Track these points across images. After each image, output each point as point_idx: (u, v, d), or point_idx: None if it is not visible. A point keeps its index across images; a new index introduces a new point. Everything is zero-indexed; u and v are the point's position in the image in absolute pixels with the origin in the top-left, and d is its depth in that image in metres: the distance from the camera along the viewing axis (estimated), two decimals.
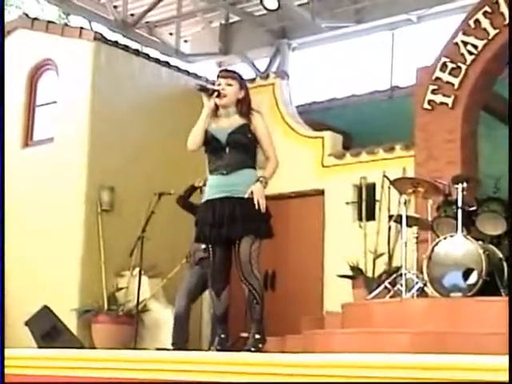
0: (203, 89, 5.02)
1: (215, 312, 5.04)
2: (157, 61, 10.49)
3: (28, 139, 10.12)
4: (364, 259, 8.86)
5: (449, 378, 3.29)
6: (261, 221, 4.88)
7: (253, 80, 10.57)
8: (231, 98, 4.98)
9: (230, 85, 4.99)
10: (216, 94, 4.94)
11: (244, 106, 5.01)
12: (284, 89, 10.44)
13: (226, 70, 5.25)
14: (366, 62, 12.48)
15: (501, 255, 6.75)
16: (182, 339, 6.92)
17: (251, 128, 4.97)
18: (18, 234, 9.24)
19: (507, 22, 8.35)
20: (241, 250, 4.83)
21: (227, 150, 4.93)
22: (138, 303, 7.67)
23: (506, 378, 3.14)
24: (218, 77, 5.06)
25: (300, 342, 7.17)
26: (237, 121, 4.98)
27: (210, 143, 4.98)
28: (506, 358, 3.22)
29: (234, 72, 5.18)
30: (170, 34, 12.86)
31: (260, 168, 5.10)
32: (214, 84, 5.09)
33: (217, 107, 5.00)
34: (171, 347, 6.83)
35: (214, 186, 4.95)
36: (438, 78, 8.74)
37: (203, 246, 6.78)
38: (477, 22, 8.57)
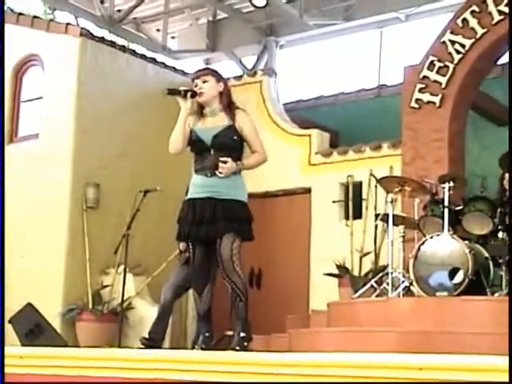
0: (172, 92, 4.97)
1: (198, 311, 5.02)
2: (143, 57, 10.44)
3: (13, 135, 10.06)
4: (350, 258, 8.85)
5: (434, 377, 3.28)
6: (243, 222, 4.87)
7: (240, 77, 10.55)
8: (211, 93, 4.96)
9: (205, 81, 4.98)
10: (190, 94, 4.91)
11: (225, 98, 4.99)
12: (271, 86, 10.41)
13: (198, 70, 5.20)
14: (354, 60, 12.47)
15: (487, 254, 6.75)
16: (161, 330, 6.88)
17: (236, 127, 4.94)
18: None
19: (495, 21, 8.35)
20: (222, 247, 4.81)
21: (212, 151, 4.91)
22: (122, 301, 7.62)
23: (491, 378, 3.14)
24: (193, 80, 5.04)
25: (285, 340, 7.15)
26: (222, 121, 4.96)
27: (195, 144, 4.96)
28: (492, 358, 3.21)
29: (207, 68, 5.22)
30: (157, 30, 12.80)
31: None
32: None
33: (201, 107, 4.98)
34: (146, 336, 6.77)
35: (198, 186, 4.93)
36: (425, 77, 8.73)
37: (181, 244, 6.77)
38: (464, 21, 8.56)
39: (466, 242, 6.75)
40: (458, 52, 8.57)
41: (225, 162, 4.82)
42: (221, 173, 4.83)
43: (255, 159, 5.00)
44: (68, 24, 9.98)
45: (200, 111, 5.00)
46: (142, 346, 6.57)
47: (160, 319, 6.91)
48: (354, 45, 12.47)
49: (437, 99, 8.63)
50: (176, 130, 4.95)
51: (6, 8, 11.15)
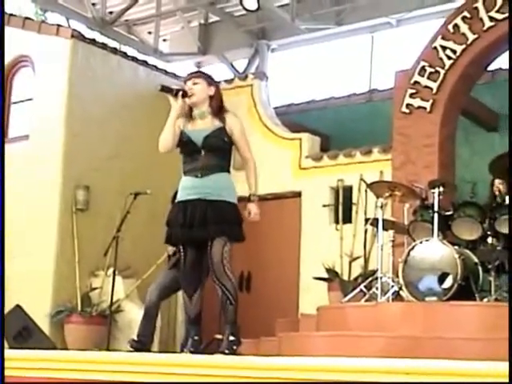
0: (165, 89, 4.98)
1: (188, 314, 5.00)
2: (135, 59, 10.43)
3: (3, 136, 10.01)
4: (340, 262, 8.85)
5: (422, 382, 3.29)
6: (233, 224, 4.87)
7: (231, 81, 10.54)
8: (201, 96, 4.97)
9: (196, 83, 4.99)
10: (182, 93, 4.92)
11: (215, 102, 4.99)
12: (262, 90, 10.41)
13: (191, 72, 5.23)
14: (346, 65, 12.50)
15: (476, 260, 6.78)
16: (149, 332, 6.85)
17: (227, 130, 4.95)
18: None
19: (486, 27, 8.38)
20: (213, 250, 4.81)
21: (203, 152, 4.92)
22: (111, 303, 7.60)
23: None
24: (185, 81, 5.06)
25: (275, 344, 7.14)
26: (212, 123, 4.97)
27: (186, 145, 4.96)
28: (481, 363, 3.22)
29: (199, 71, 5.23)
30: (149, 32, 12.82)
31: (236, 169, 5.08)
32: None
33: (190, 109, 4.99)
34: (135, 339, 6.73)
35: (188, 188, 4.93)
36: (416, 82, 8.75)
37: (169, 248, 6.74)
38: (456, 26, 8.59)
39: (456, 247, 6.77)
40: (449, 58, 8.60)
41: (249, 213, 4.89)
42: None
43: (254, 174, 5.00)
44: (59, 26, 9.95)
45: (189, 114, 5.01)
46: (131, 349, 6.54)
47: (146, 321, 6.87)
48: (346, 49, 12.50)
49: (427, 104, 8.65)
50: (166, 128, 4.95)
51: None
